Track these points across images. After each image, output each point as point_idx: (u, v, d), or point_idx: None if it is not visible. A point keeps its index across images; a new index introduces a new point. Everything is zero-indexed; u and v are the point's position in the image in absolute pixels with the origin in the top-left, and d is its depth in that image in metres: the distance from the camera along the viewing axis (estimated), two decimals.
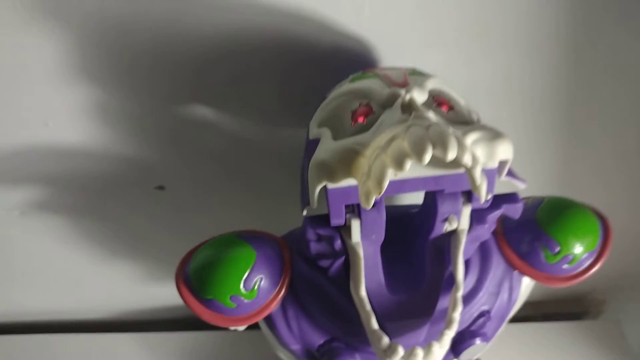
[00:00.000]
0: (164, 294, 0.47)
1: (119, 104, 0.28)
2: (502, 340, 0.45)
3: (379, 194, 0.17)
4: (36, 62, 0.26)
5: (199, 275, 0.24)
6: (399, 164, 0.16)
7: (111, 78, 0.27)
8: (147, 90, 0.27)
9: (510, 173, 0.22)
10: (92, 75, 0.26)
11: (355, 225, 0.21)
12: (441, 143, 0.15)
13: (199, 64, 0.26)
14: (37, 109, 0.28)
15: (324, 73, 0.27)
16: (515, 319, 0.49)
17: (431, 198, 0.21)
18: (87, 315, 0.49)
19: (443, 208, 0.20)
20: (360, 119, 0.19)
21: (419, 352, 0.21)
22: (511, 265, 0.25)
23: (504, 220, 0.26)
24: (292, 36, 0.25)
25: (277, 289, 0.25)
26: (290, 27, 0.25)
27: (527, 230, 0.25)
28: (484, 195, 0.17)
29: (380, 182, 0.16)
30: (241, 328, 0.28)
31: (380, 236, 0.21)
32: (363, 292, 0.22)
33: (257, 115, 0.29)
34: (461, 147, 0.16)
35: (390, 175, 0.16)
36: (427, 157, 0.15)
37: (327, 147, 0.19)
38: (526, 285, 0.27)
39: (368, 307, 0.22)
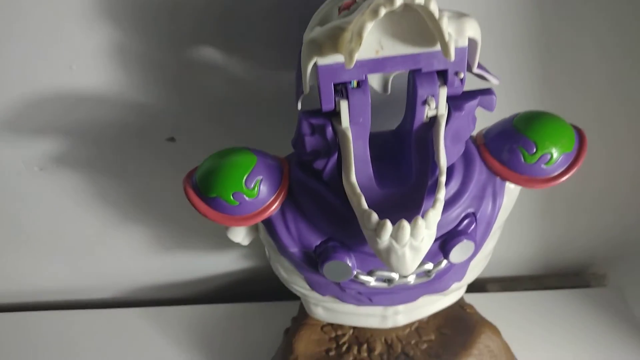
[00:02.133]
0: (175, 268, 0.48)
1: (135, 46, 0.31)
2: (506, 308, 0.46)
3: (359, 45, 0.19)
4: (65, 4, 0.29)
5: (204, 177, 0.26)
6: (375, 13, 0.18)
7: (131, 18, 0.30)
8: (159, 31, 0.31)
9: (483, 68, 0.25)
10: (114, 15, 0.30)
11: (344, 106, 0.23)
12: None
13: (205, 6, 0.30)
14: (63, 51, 0.31)
15: None
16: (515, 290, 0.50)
17: (412, 83, 0.24)
18: (96, 295, 0.50)
19: (422, 89, 0.23)
20: (345, 7, 0.22)
21: (406, 225, 0.22)
22: (494, 172, 0.27)
23: (485, 133, 0.28)
24: None
25: (277, 192, 0.27)
26: None
27: (506, 137, 0.27)
28: (452, 51, 0.20)
29: (359, 34, 0.19)
30: (245, 242, 0.30)
31: (367, 120, 0.24)
32: (353, 178, 0.24)
33: (257, 59, 0.32)
34: None
35: (369, 30, 0.19)
36: (398, 1, 0.18)
37: (318, 29, 0.22)
38: (510, 193, 0.28)
39: (358, 190, 0.24)
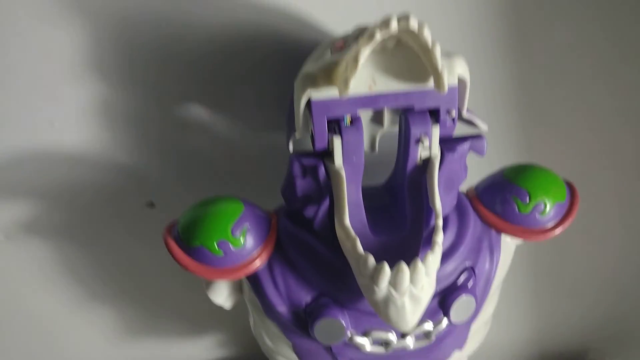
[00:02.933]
0: (142, 357, 0.44)
1: (121, 104, 0.31)
2: None
3: (354, 71, 0.19)
4: (53, 59, 0.29)
5: (187, 225, 0.24)
6: (371, 37, 0.19)
7: (116, 76, 0.30)
8: (146, 89, 0.31)
9: (472, 113, 0.25)
10: (101, 72, 0.30)
11: (337, 144, 0.23)
12: (405, 17, 0.19)
13: (195, 63, 0.30)
14: (46, 108, 0.31)
15: None
16: None
17: (404, 123, 0.23)
18: None
19: (415, 127, 0.23)
20: (338, 47, 0.23)
21: (405, 269, 0.21)
22: (488, 224, 0.27)
23: (476, 186, 0.28)
24: (277, 34, 0.30)
25: (264, 244, 0.25)
26: (275, 25, 0.29)
27: (498, 187, 0.27)
28: (445, 82, 0.20)
29: (356, 59, 0.19)
30: (228, 303, 0.28)
31: (361, 160, 0.23)
32: (347, 221, 0.23)
33: (244, 119, 0.32)
34: (422, 25, 0.19)
35: (365, 57, 0.19)
36: (393, 25, 0.18)
37: (311, 65, 0.22)
38: (507, 247, 0.27)
39: (353, 234, 0.22)
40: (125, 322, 0.42)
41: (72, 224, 0.35)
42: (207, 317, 0.42)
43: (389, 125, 0.28)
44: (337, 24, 0.29)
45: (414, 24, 0.18)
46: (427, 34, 0.19)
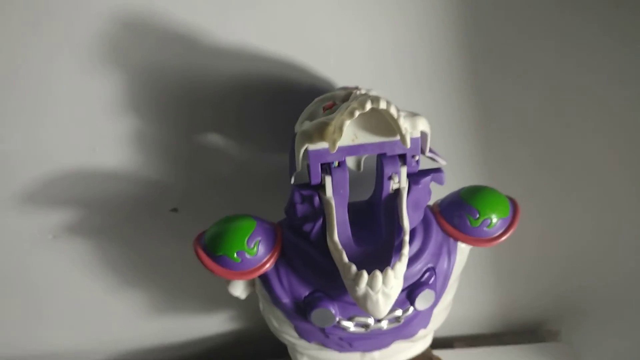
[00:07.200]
0: (167, 330, 0.52)
1: (151, 133, 0.38)
2: None
3: (340, 136, 0.26)
4: (95, 97, 0.36)
5: (212, 239, 0.32)
6: (351, 114, 0.25)
7: (150, 111, 0.37)
8: (174, 121, 0.37)
9: (434, 152, 0.32)
10: (133, 109, 0.36)
11: (328, 181, 0.30)
12: (376, 100, 0.25)
13: (214, 101, 0.37)
14: (88, 137, 0.37)
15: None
16: (478, 346, 0.55)
17: (379, 164, 0.31)
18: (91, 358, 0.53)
19: (387, 168, 0.30)
20: (328, 107, 0.29)
21: (378, 274, 0.28)
22: (447, 234, 0.34)
23: (440, 203, 0.35)
24: (281, 79, 0.36)
25: (272, 251, 0.32)
26: (279, 71, 0.36)
27: (455, 206, 0.34)
28: (408, 140, 0.27)
29: (340, 128, 0.26)
30: (243, 295, 0.35)
31: (346, 192, 0.30)
32: (336, 238, 0.30)
33: (254, 144, 0.39)
34: (389, 103, 0.26)
35: (347, 125, 0.26)
36: (367, 106, 0.25)
37: (308, 123, 0.29)
38: (462, 251, 0.35)
39: (340, 247, 0.30)
40: (151, 301, 0.49)
41: (109, 225, 0.43)
42: (222, 296, 0.49)
43: None
44: (330, 73, 0.36)
45: (383, 105, 0.25)
46: (393, 111, 0.26)
